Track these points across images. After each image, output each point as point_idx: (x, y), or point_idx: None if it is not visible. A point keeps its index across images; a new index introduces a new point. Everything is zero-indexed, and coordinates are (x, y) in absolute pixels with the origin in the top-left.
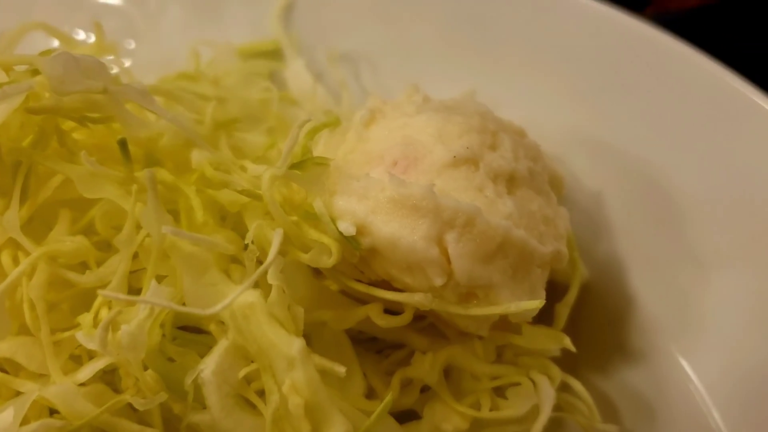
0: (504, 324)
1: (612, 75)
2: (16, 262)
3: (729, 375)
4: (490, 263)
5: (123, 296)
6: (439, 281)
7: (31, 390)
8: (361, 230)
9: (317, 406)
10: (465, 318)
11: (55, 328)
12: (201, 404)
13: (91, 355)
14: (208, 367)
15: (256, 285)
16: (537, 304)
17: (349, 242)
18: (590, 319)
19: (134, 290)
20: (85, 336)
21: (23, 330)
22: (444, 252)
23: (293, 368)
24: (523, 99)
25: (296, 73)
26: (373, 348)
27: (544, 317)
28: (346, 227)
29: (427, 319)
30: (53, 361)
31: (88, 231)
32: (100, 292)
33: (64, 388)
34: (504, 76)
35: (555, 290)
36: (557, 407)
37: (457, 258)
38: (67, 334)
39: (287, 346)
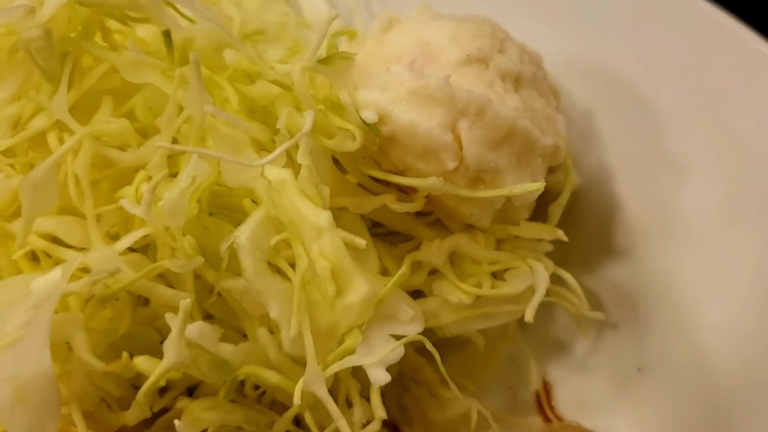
0: (503, 217)
1: (606, 5)
2: (62, 142)
3: (705, 267)
4: (497, 149)
5: (173, 146)
6: (451, 165)
7: (74, 257)
8: (381, 119)
9: (342, 270)
10: (470, 207)
11: (97, 205)
12: (234, 272)
13: (129, 231)
14: (243, 233)
15: (287, 166)
16: (538, 186)
17: (370, 129)
18: (580, 222)
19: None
20: (130, 202)
21: (64, 211)
22: (457, 138)
23: (321, 236)
24: (521, 27)
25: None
26: (386, 240)
27: (538, 218)
28: (369, 115)
29: (434, 215)
30: (95, 230)
31: (129, 118)
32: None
33: (105, 254)
34: (504, 6)
35: (549, 195)
36: (548, 296)
37: (468, 144)
38: (108, 207)
39: (315, 216)
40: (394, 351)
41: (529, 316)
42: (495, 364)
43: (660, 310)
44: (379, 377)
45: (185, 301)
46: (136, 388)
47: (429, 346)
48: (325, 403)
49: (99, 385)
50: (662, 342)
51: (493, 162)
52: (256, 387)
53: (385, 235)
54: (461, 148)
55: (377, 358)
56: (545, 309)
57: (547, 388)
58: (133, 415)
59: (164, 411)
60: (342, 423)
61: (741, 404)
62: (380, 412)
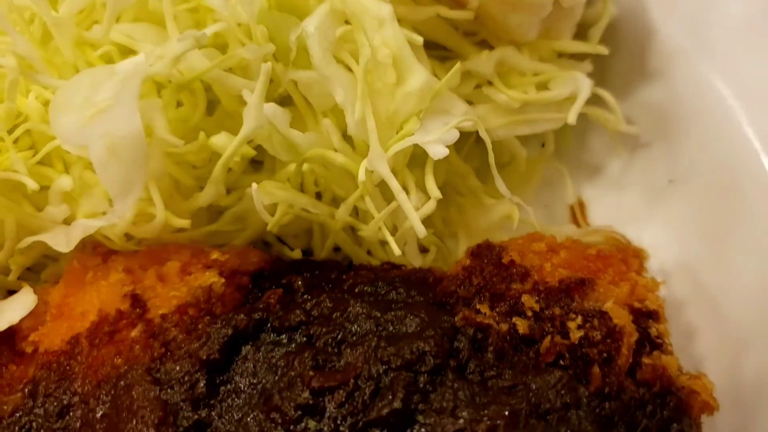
0: (548, 34)
1: None
2: None
3: (735, 83)
4: None
5: None
6: None
7: (151, 50)
8: None
9: (402, 59)
10: (518, 15)
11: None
12: (301, 66)
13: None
14: (311, 23)
15: None
16: None
17: None
18: (616, 48)
19: None
20: None
21: (138, 19)
22: None
23: (382, 27)
24: None
25: None
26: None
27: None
28: None
29: (480, 35)
30: (173, 27)
31: None
32: None
33: (182, 44)
34: None
35: (587, 26)
36: (586, 113)
37: None
38: (184, 6)
39: (378, 8)
40: (450, 132)
41: (572, 118)
42: (534, 181)
43: (691, 126)
44: (438, 151)
45: (266, 65)
46: None
47: (482, 131)
48: (387, 180)
49: (173, 172)
50: (693, 154)
51: None
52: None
53: (435, 55)
54: None
55: (435, 137)
56: (580, 134)
57: (581, 204)
58: (208, 194)
59: None
60: (402, 196)
61: (764, 208)
62: (435, 193)
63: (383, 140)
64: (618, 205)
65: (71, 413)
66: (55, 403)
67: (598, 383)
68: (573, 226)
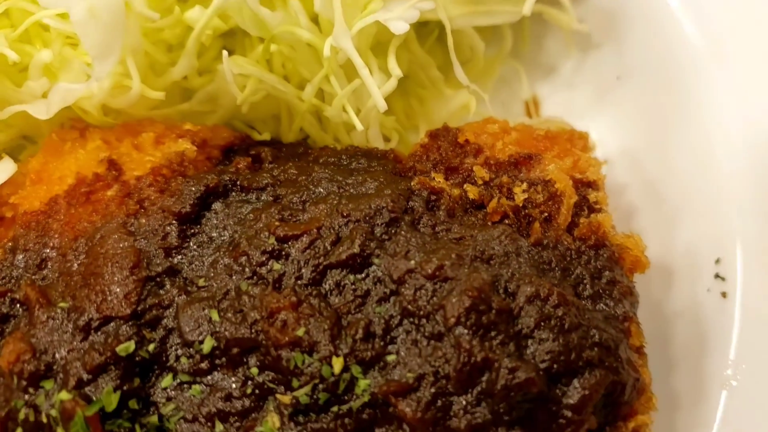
0: None
1: None
2: None
3: None
4: None
5: None
6: None
7: None
8: None
9: None
10: None
11: None
12: None
13: None
14: None
15: None
16: None
17: None
18: None
19: None
20: None
21: None
22: None
23: None
24: None
25: None
26: None
27: None
28: None
29: None
30: None
31: None
32: None
33: None
34: None
35: None
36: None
37: None
38: None
39: None
40: (410, 10)
41: (527, 9)
42: (492, 77)
43: (637, 26)
44: (399, 27)
45: None
46: None
47: (442, 13)
48: (351, 55)
49: (149, 50)
50: (639, 53)
51: None
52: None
53: None
54: None
55: (396, 15)
56: (536, 36)
57: (535, 101)
58: (181, 66)
59: None
60: (365, 72)
61: (704, 84)
62: (397, 71)
63: (348, 20)
64: (569, 101)
65: (50, 265)
66: (35, 256)
67: (538, 236)
68: (526, 117)
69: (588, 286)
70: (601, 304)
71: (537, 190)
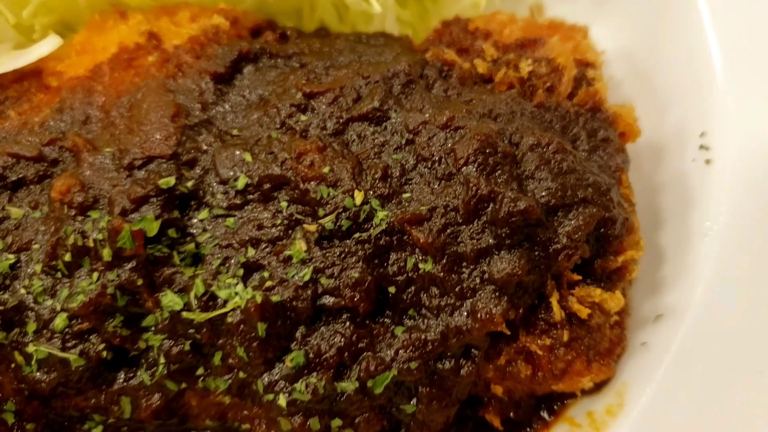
0: None
1: None
2: None
3: None
4: None
5: None
6: None
7: None
8: None
9: None
10: None
11: None
12: None
13: None
14: None
15: None
16: None
17: None
18: None
19: None
20: None
21: None
22: None
23: None
24: None
25: None
26: None
27: None
28: None
29: None
30: None
31: None
32: None
33: None
34: None
35: None
36: None
37: None
38: None
39: None
40: None
41: None
42: None
43: None
44: None
45: None
46: None
47: None
48: None
49: None
50: None
51: None
52: None
53: None
54: None
55: None
56: None
57: (539, 6)
58: None
59: None
60: None
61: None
62: None
63: None
64: (572, 7)
65: (94, 121)
66: (80, 114)
67: (540, 100)
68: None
69: (584, 141)
70: (596, 157)
71: (541, 65)
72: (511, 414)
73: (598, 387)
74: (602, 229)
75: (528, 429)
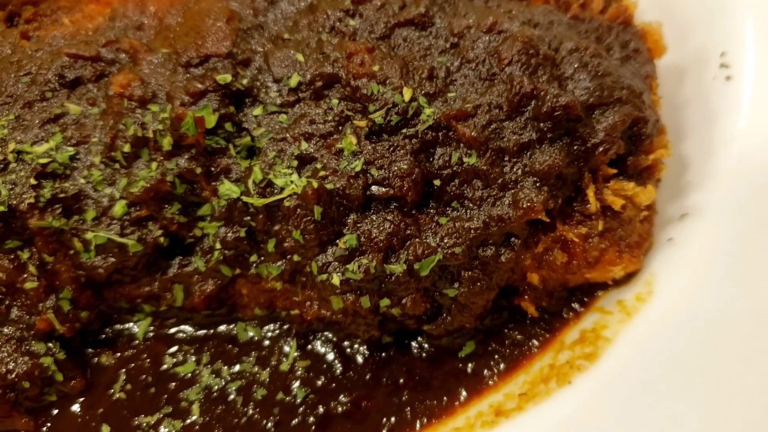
0: None
1: None
2: None
3: None
4: None
5: None
6: None
7: None
8: None
9: None
10: None
11: None
12: None
13: None
14: None
15: None
16: None
17: None
18: None
19: None
20: None
21: None
22: None
23: None
24: None
25: None
26: None
27: None
28: None
29: None
30: None
31: None
32: None
33: None
34: None
35: None
36: None
37: None
38: None
39: None
40: None
41: None
42: None
43: None
44: None
45: None
46: None
47: None
48: None
49: None
50: None
51: None
52: None
53: None
54: None
55: None
56: None
57: None
58: None
59: None
60: None
61: None
62: None
63: None
64: None
65: (146, 28)
66: (134, 20)
67: (575, 12)
68: None
69: (617, 51)
70: (628, 65)
71: None
72: (544, 303)
73: (627, 278)
74: (635, 128)
75: (560, 317)
